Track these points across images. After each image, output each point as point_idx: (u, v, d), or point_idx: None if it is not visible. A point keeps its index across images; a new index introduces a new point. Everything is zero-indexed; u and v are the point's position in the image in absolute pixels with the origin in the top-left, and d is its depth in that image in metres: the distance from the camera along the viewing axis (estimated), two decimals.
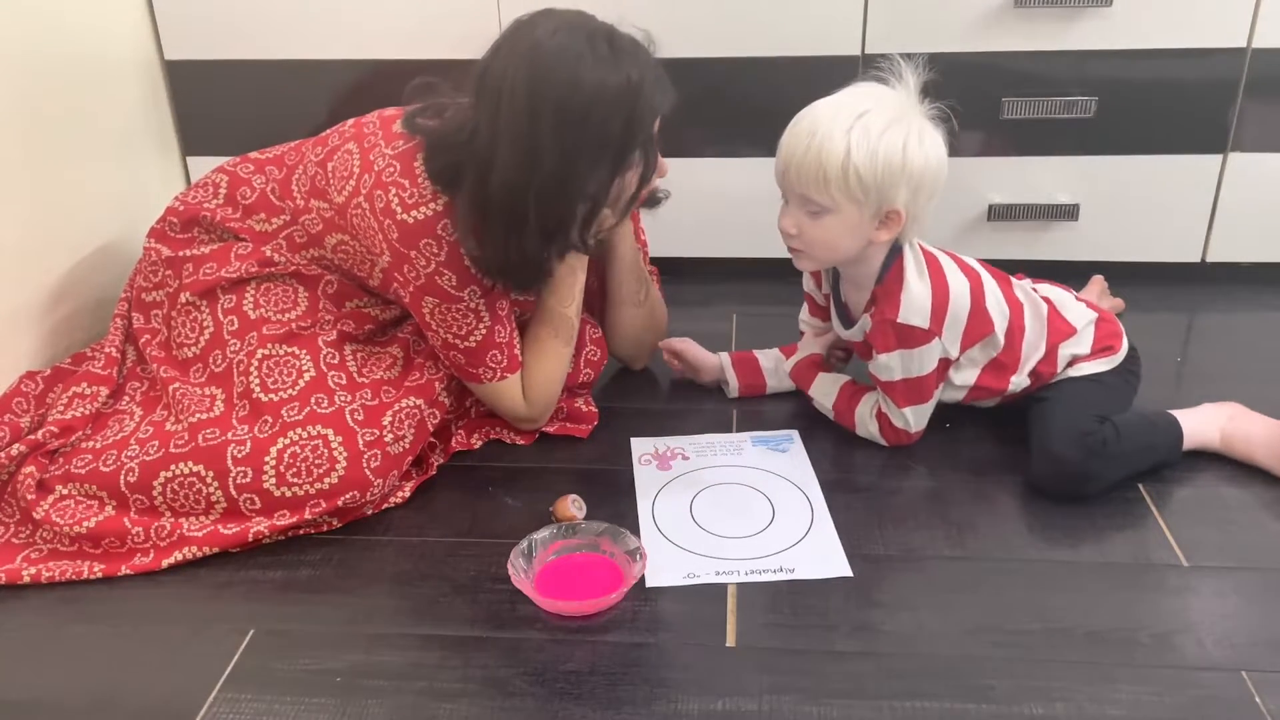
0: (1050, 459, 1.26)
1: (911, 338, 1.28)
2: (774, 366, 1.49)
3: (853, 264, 1.30)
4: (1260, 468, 1.30)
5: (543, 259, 1.24)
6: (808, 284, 1.46)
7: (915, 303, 1.27)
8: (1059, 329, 1.34)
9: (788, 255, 1.35)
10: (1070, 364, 1.34)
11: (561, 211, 1.20)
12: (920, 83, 1.24)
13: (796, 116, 1.24)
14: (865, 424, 1.37)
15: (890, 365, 1.30)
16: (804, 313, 1.50)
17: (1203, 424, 1.32)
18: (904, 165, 1.19)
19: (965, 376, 1.34)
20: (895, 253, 1.28)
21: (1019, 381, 1.34)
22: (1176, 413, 1.32)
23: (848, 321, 1.38)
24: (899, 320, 1.27)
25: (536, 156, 1.15)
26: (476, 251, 1.23)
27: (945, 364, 1.32)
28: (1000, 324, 1.31)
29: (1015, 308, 1.33)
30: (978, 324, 1.30)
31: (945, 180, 1.24)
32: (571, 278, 1.34)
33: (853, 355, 1.49)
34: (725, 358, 1.51)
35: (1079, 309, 1.37)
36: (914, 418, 1.34)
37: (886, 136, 1.18)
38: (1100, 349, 1.35)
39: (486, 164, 1.18)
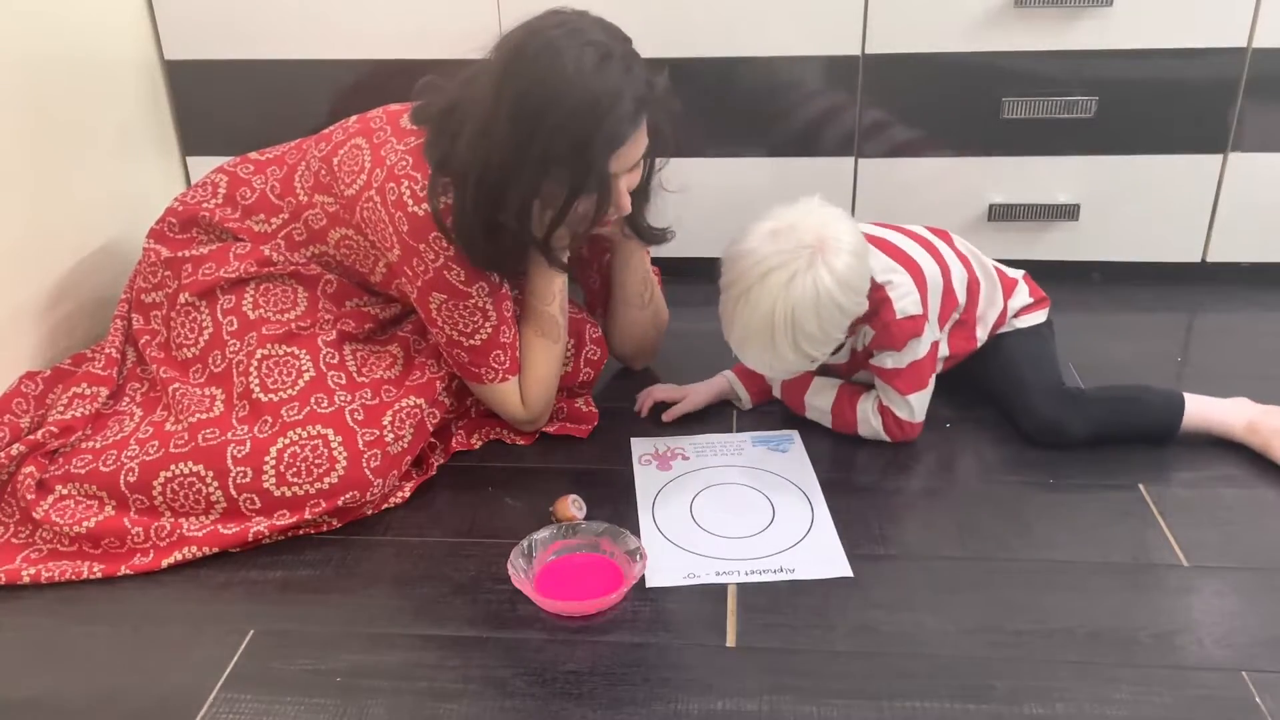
0: (1024, 412, 1.36)
1: (914, 325, 1.30)
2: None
3: None
4: (1276, 463, 1.31)
5: (493, 245, 1.24)
6: None
7: (904, 294, 1.30)
8: (1006, 282, 1.42)
9: None
10: (1016, 314, 1.43)
11: (500, 204, 1.19)
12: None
13: (734, 344, 1.28)
14: (868, 420, 1.37)
15: (898, 356, 1.31)
16: None
17: (1231, 411, 1.35)
18: (847, 312, 1.24)
19: (941, 349, 1.38)
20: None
21: (981, 336, 1.41)
22: (1201, 396, 1.35)
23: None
24: (899, 318, 1.29)
25: (488, 138, 1.16)
26: (445, 220, 1.23)
27: (935, 345, 1.35)
28: (961, 290, 1.37)
29: (965, 262, 1.39)
30: (948, 303, 1.36)
31: (862, 241, 1.26)
32: (545, 276, 1.33)
33: None
34: (731, 376, 1.49)
35: (1007, 269, 1.46)
36: (917, 405, 1.35)
37: (824, 321, 1.22)
38: (1038, 300, 1.45)
39: (457, 134, 1.20)
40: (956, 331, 1.40)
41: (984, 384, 1.43)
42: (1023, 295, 1.44)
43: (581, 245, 1.43)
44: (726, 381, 1.48)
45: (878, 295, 1.29)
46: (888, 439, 1.37)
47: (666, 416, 1.46)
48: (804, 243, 1.22)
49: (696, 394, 1.47)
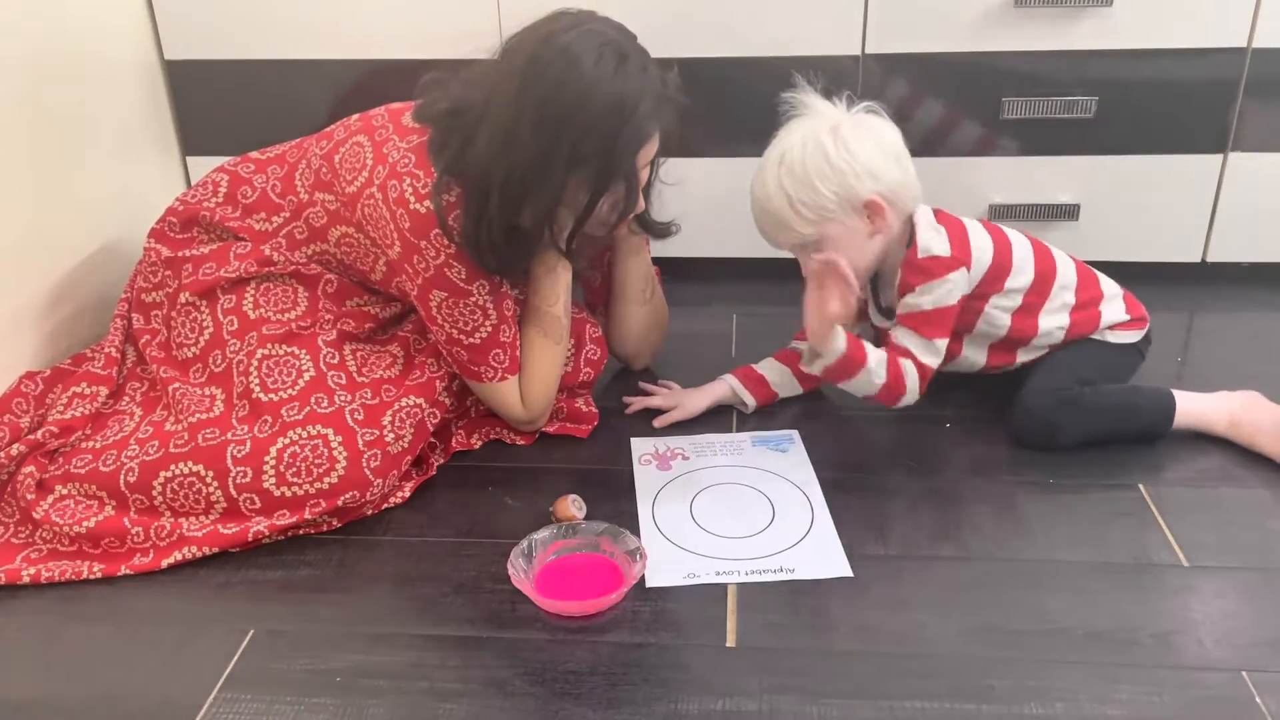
0: (1022, 410, 1.35)
1: (938, 266, 1.30)
2: (779, 379, 1.48)
3: (885, 259, 1.35)
4: (1265, 455, 1.31)
5: (510, 250, 1.24)
6: None
7: (932, 239, 1.31)
8: (1089, 283, 1.41)
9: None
10: (1111, 327, 1.41)
11: (522, 208, 1.20)
12: (822, 89, 1.32)
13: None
14: (872, 372, 1.30)
15: (919, 298, 1.32)
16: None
17: (1211, 406, 1.35)
18: (834, 166, 1.26)
19: (1001, 318, 1.37)
20: (907, 246, 1.32)
21: (1049, 325, 1.37)
22: (1185, 393, 1.35)
23: (889, 312, 1.40)
24: (919, 256, 1.30)
25: (511, 147, 1.16)
26: (455, 224, 1.23)
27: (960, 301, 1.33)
28: (1026, 263, 1.36)
29: (1041, 249, 1.39)
30: (1001, 263, 1.35)
31: (900, 147, 1.31)
32: (550, 277, 1.34)
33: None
34: (733, 380, 1.47)
35: (1105, 278, 1.45)
36: (941, 347, 1.33)
37: (808, 162, 1.27)
38: (1137, 318, 1.43)
39: (470, 138, 1.19)
40: (1019, 314, 1.37)
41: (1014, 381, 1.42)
42: (1116, 308, 1.41)
43: (602, 246, 1.44)
44: (727, 387, 1.47)
45: (911, 245, 1.31)
46: (878, 398, 1.32)
47: (658, 422, 1.45)
48: (836, 113, 1.30)
49: (691, 402, 1.46)
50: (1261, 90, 1.67)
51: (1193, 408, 1.35)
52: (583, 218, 1.22)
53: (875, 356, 1.31)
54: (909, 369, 1.33)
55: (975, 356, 1.42)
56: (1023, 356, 1.41)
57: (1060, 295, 1.38)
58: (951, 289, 1.31)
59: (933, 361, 1.34)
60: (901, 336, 1.34)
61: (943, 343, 1.33)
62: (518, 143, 1.16)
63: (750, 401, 1.47)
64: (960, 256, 1.31)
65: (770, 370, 1.49)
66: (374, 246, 1.32)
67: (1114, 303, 1.42)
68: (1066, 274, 1.39)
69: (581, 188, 1.19)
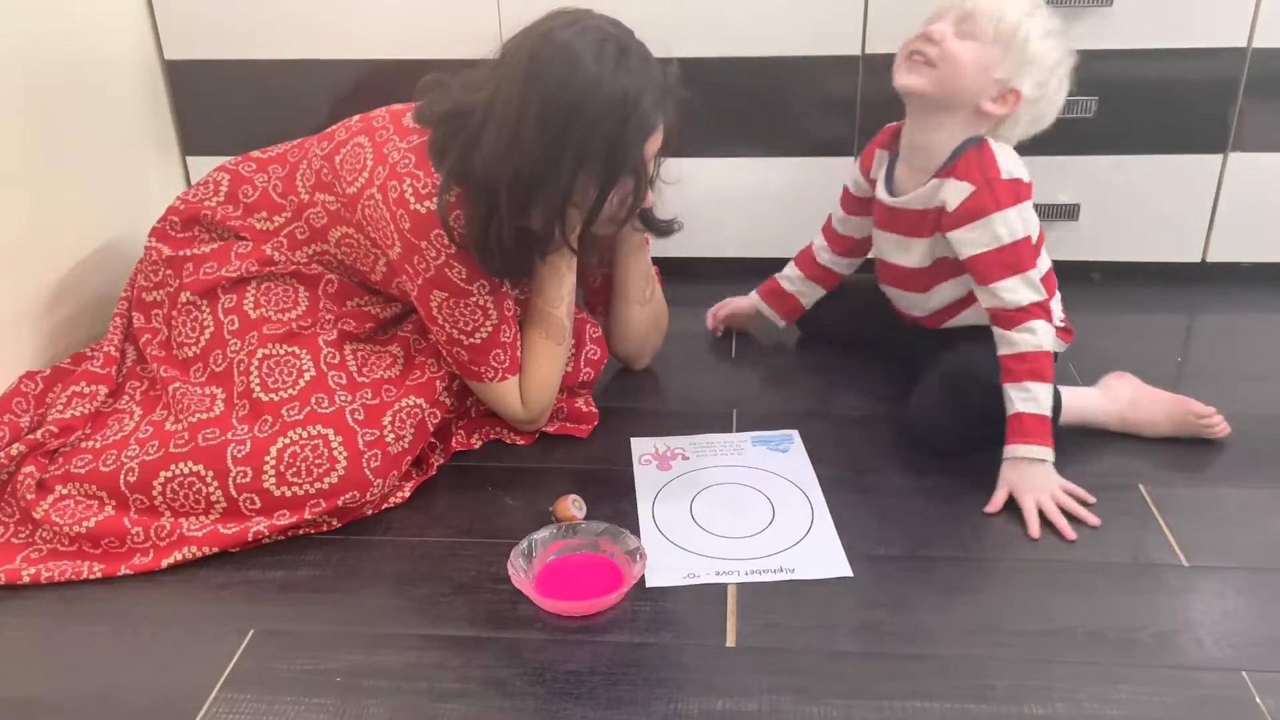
0: (909, 407, 1.36)
1: (1019, 190, 1.28)
2: (801, 287, 1.54)
3: (933, 129, 1.30)
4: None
5: (518, 251, 1.24)
6: (851, 174, 1.47)
7: (1012, 163, 1.29)
8: (1049, 273, 1.39)
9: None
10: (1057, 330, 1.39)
11: (531, 208, 1.20)
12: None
13: None
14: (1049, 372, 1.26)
15: (1009, 222, 1.27)
16: (821, 238, 1.51)
17: (1097, 408, 1.36)
18: (1047, 63, 1.25)
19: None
20: (969, 142, 1.29)
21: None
22: (1068, 389, 1.34)
23: (897, 190, 1.37)
24: (1003, 177, 1.27)
25: (517, 146, 1.16)
26: (456, 225, 1.23)
27: (1039, 238, 1.34)
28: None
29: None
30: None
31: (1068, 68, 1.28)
32: (556, 278, 1.34)
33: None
34: (756, 299, 1.55)
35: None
36: (1038, 279, 1.29)
37: (1049, 40, 1.25)
38: (1067, 327, 1.43)
39: (475, 140, 1.19)
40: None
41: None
42: (1058, 309, 1.39)
43: (609, 244, 1.44)
44: (752, 304, 1.55)
45: (973, 161, 1.27)
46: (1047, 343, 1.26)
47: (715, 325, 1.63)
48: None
49: (735, 301, 1.61)
50: (1261, 90, 1.67)
51: (1075, 405, 1.34)
52: (592, 215, 1.22)
53: (1047, 363, 1.25)
54: (1041, 329, 1.25)
55: (933, 301, 1.40)
56: (969, 318, 1.40)
57: (1040, 263, 1.34)
58: (1028, 214, 1.29)
59: (1040, 295, 1.27)
60: (1005, 292, 1.26)
61: (1037, 272, 1.28)
62: (523, 143, 1.15)
63: (776, 319, 1.52)
64: (1030, 186, 1.29)
65: (786, 281, 1.54)
66: (374, 247, 1.32)
67: (1057, 304, 1.39)
68: (1042, 249, 1.37)
69: (590, 184, 1.19)
